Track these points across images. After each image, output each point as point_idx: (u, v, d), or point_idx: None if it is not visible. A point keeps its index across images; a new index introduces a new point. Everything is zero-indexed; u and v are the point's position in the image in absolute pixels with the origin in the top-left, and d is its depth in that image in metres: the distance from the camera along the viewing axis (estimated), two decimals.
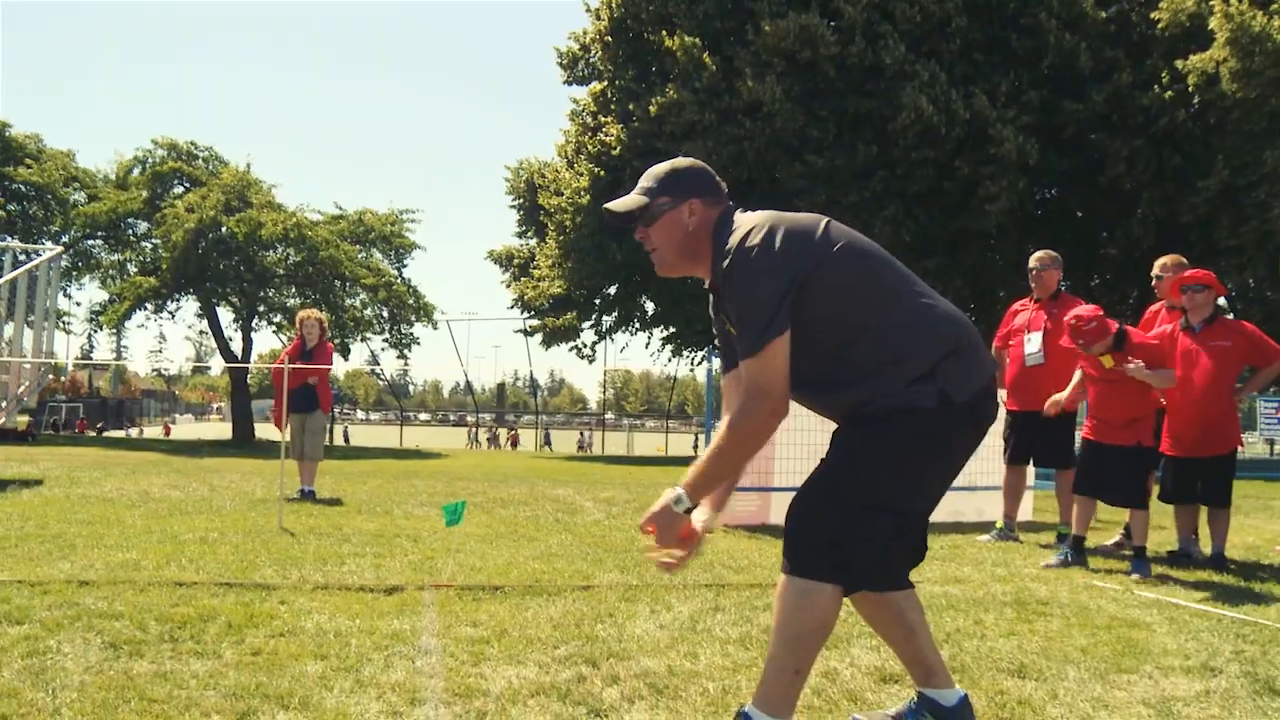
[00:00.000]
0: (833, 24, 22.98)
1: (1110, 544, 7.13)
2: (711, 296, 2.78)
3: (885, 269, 2.64)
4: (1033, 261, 7.62)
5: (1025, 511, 8.36)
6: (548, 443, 50.12)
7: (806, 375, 2.62)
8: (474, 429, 55.36)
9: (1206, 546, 6.61)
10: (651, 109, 23.56)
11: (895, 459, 2.54)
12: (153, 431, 52.44)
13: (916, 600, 2.81)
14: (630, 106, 24.55)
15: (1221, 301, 6.62)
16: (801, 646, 2.52)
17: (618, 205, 2.79)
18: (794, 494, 2.64)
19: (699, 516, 2.71)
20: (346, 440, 44.05)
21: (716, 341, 2.93)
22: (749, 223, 2.62)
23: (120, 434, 44.85)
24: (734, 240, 2.59)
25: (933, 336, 2.58)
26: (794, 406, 2.60)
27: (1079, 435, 6.72)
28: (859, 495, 2.52)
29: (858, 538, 2.51)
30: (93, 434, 42.67)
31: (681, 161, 2.82)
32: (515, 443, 51.36)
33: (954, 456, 2.66)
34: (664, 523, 2.61)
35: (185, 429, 59.28)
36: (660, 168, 2.79)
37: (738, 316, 2.58)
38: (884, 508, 2.53)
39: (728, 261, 2.57)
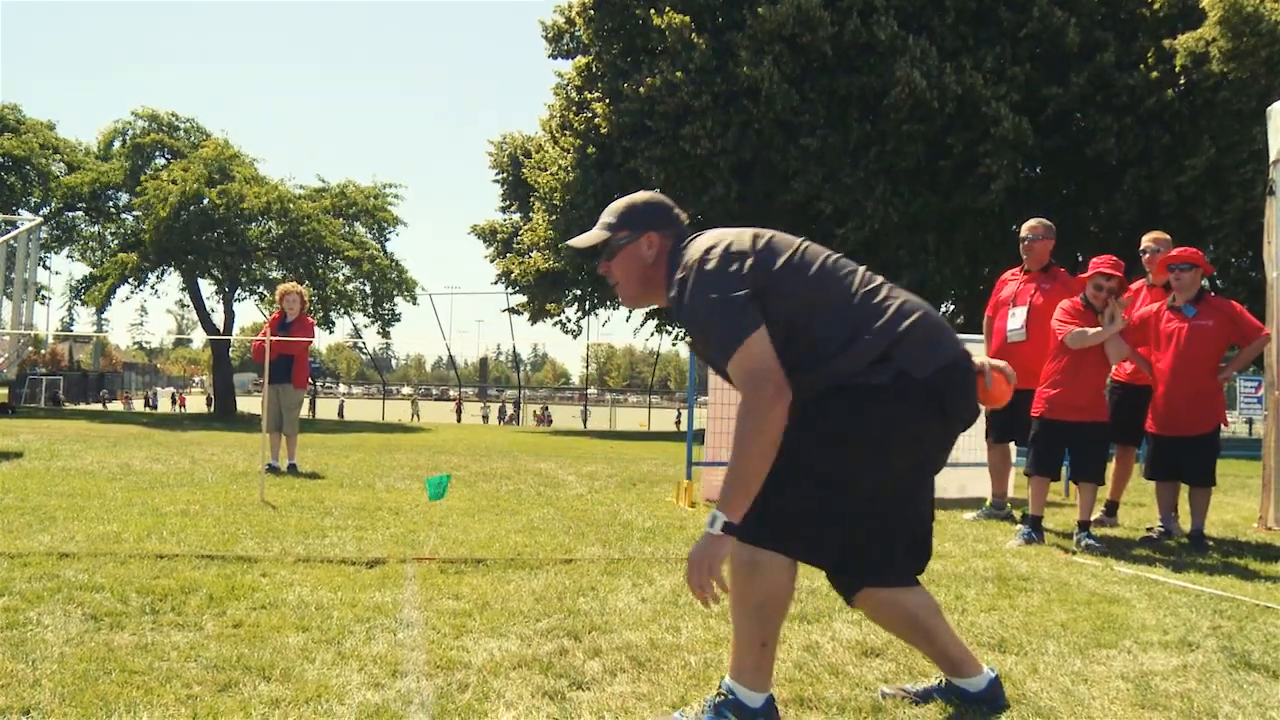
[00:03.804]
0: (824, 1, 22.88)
1: (1093, 520, 7.15)
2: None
3: (830, 275, 2.63)
4: (1024, 230, 7.35)
5: (1008, 489, 8.38)
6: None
7: None
8: (458, 403, 54.14)
9: (1186, 523, 6.65)
10: (643, 90, 23.35)
11: (839, 431, 2.55)
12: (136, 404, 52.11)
13: (929, 600, 2.81)
14: (624, 85, 24.30)
15: (1203, 282, 6.59)
16: (760, 617, 2.53)
17: (580, 241, 2.84)
18: None
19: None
20: (341, 415, 43.71)
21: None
22: (695, 248, 2.66)
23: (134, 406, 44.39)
24: (682, 265, 2.63)
25: (885, 324, 2.55)
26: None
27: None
28: (804, 466, 2.52)
29: (801, 509, 2.52)
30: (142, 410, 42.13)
31: (639, 196, 2.87)
32: (548, 420, 46.38)
33: (913, 438, 2.62)
34: (710, 553, 2.46)
35: (167, 403, 58.95)
36: (619, 203, 2.84)
37: (702, 330, 2.60)
38: (827, 479, 2.53)
39: (675, 290, 2.62)
